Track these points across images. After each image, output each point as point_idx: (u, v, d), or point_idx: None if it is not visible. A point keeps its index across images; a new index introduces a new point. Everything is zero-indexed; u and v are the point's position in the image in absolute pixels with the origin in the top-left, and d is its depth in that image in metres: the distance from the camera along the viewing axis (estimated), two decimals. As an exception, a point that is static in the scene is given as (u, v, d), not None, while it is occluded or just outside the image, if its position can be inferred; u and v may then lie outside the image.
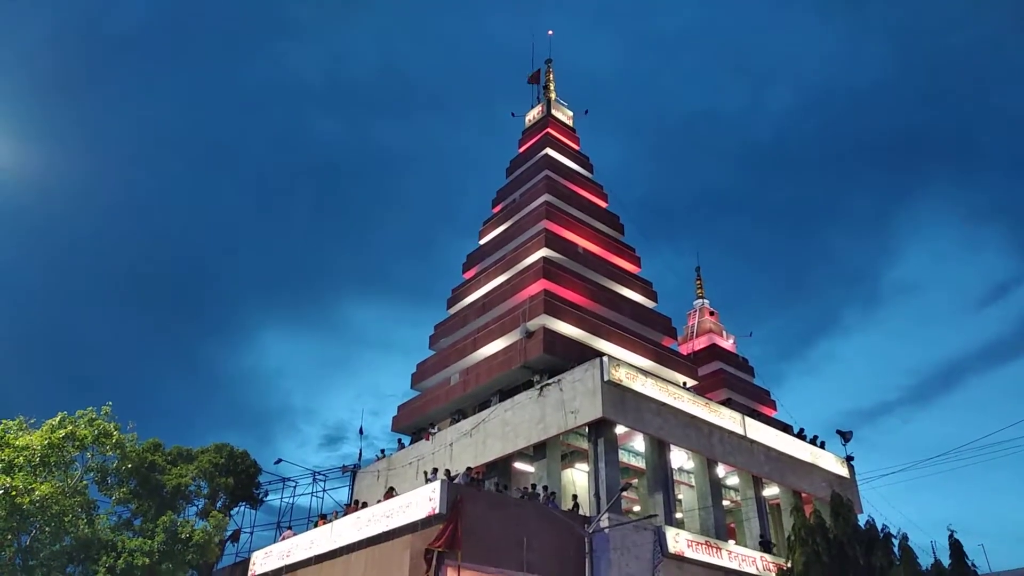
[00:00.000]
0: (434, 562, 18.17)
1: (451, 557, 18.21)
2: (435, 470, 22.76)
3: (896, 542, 22.56)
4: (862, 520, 23.85)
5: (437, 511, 18.85)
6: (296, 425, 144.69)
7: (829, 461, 31.94)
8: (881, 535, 22.67)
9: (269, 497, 31.86)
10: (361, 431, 45.07)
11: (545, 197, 35.30)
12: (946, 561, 23.46)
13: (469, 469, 23.43)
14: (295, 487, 32.50)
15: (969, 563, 23.58)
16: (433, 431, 30.16)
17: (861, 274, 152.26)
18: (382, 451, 33.25)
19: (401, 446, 32.16)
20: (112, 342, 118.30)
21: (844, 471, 32.34)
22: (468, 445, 27.68)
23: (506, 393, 28.45)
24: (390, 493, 23.21)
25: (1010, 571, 26.87)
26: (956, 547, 23.44)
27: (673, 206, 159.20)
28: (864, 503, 32.30)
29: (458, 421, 29.42)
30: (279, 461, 32.85)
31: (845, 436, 31.95)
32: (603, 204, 39.00)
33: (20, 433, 20.42)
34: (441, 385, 32.29)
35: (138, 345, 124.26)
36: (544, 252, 31.91)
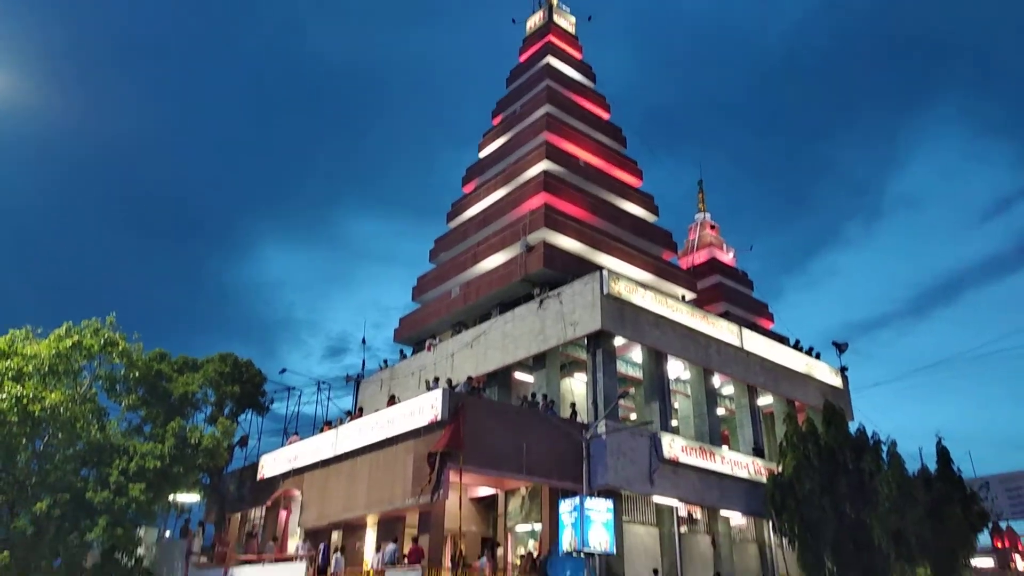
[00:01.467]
0: (436, 465, 18.76)
1: (453, 461, 18.80)
2: (436, 379, 23.22)
3: (885, 448, 23.30)
4: (853, 428, 24.57)
5: (439, 418, 19.34)
6: (299, 337, 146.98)
7: (823, 371, 32.54)
8: (871, 442, 23.40)
9: (275, 405, 32.65)
10: (364, 342, 45.91)
11: (546, 108, 34.58)
12: (933, 467, 24.28)
13: (470, 378, 23.90)
14: (300, 396, 33.30)
15: (955, 468, 24.41)
16: (434, 342, 30.60)
17: (865, 187, 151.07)
18: (384, 361, 33.85)
19: (403, 357, 32.69)
20: (113, 259, 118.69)
21: (838, 381, 33.00)
22: (469, 356, 28.14)
23: (506, 306, 28.70)
24: (392, 401, 23.76)
25: (994, 475, 27.82)
26: (943, 453, 24.24)
27: (677, 118, 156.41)
28: (856, 412, 33.15)
29: (459, 333, 29.80)
30: (284, 371, 33.54)
31: (840, 347, 32.46)
32: (606, 115, 38.25)
33: (27, 342, 20.71)
34: (442, 298, 32.54)
35: (139, 261, 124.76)
36: (545, 165, 31.53)
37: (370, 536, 22.78)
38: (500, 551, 22.76)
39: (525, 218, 29.34)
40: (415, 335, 33.53)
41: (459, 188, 37.74)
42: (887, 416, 36.09)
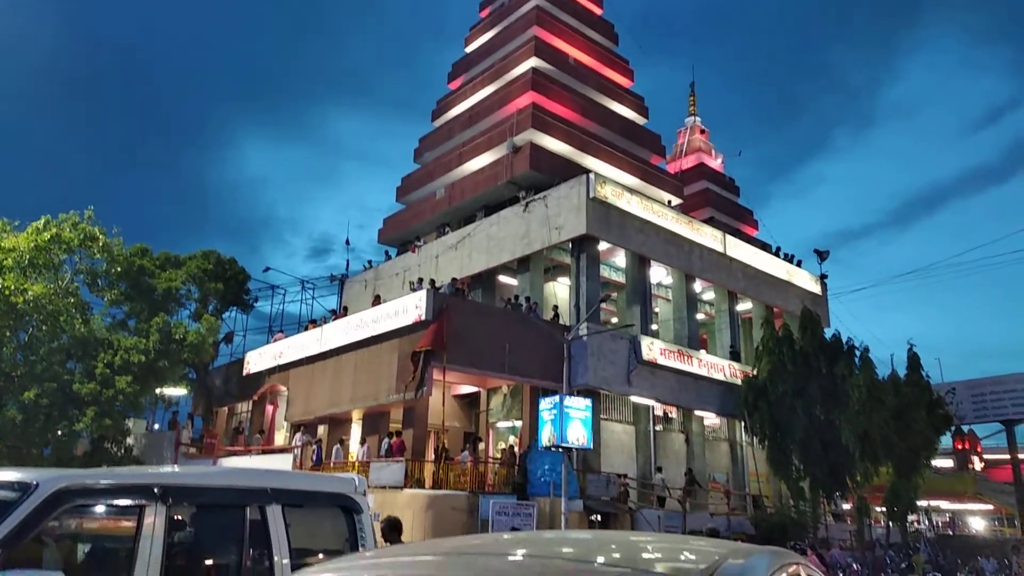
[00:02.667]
0: (420, 364, 19.09)
1: (436, 359, 19.12)
2: (420, 280, 23.30)
3: (858, 354, 23.93)
4: (829, 334, 25.15)
5: (423, 318, 19.53)
6: (282, 236, 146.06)
7: (803, 279, 32.95)
8: (845, 348, 24.00)
9: (259, 303, 32.79)
10: (347, 242, 45.65)
11: (536, 0, 33.16)
12: (903, 372, 25.04)
13: (454, 280, 23.99)
14: (284, 295, 33.41)
15: (924, 374, 25.23)
16: (419, 244, 30.50)
17: (858, 93, 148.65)
18: (369, 262, 33.85)
19: (388, 257, 32.65)
20: (90, 154, 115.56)
21: (817, 288, 33.48)
22: (453, 258, 28.14)
23: (491, 208, 28.47)
24: (377, 301, 23.90)
25: (960, 381, 28.77)
26: (913, 360, 24.98)
27: (671, 18, 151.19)
28: (833, 319, 33.83)
29: (444, 234, 29.67)
30: (267, 269, 33.51)
31: (821, 255, 32.76)
32: (598, 11, 36.76)
33: (4, 235, 20.38)
34: (426, 199, 32.18)
35: (116, 157, 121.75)
36: (533, 62, 30.52)
37: (355, 430, 23.42)
38: (482, 446, 23.54)
39: (512, 118, 28.67)
40: (399, 236, 33.37)
41: (445, 85, 36.64)
42: (864, 323, 36.91)
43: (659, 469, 24.17)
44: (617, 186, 25.96)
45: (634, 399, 24.56)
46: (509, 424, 23.71)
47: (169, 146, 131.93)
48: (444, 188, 31.20)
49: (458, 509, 17.00)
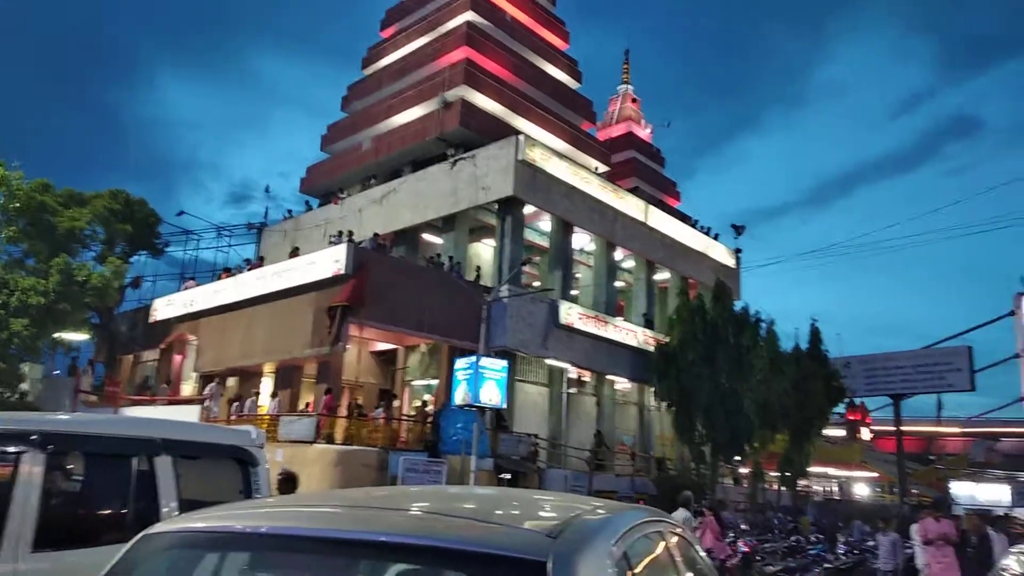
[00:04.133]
0: (337, 319, 18.83)
1: (354, 315, 18.89)
2: (341, 233, 22.81)
3: (764, 327, 25.01)
4: (740, 306, 26.15)
5: (342, 272, 19.21)
6: (201, 181, 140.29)
7: (719, 252, 33.99)
8: (752, 320, 25.01)
9: (171, 248, 31.52)
10: (268, 190, 44.47)
11: (475, -47, 32.39)
12: (805, 346, 26.33)
13: (377, 235, 23.63)
14: (199, 241, 32.16)
15: (824, 348, 26.61)
16: (342, 196, 29.83)
17: (792, 72, 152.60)
18: (289, 212, 32.96)
19: (309, 208, 31.84)
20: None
21: (731, 262, 34.61)
22: (377, 212, 27.67)
23: (419, 163, 28.07)
24: (295, 253, 23.35)
25: (856, 356, 30.48)
26: (815, 334, 26.32)
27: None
28: (745, 292, 35.10)
29: (369, 187, 29.09)
30: (181, 213, 32.06)
31: (738, 230, 33.83)
32: (537, -31, 36.22)
33: None
34: (352, 150, 31.42)
35: (26, 83, 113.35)
36: (469, 16, 29.92)
37: (266, 383, 23.00)
38: (397, 403, 23.54)
39: (444, 72, 28.16)
40: (323, 187, 32.54)
41: (377, 32, 35.55)
42: (773, 298, 38.46)
43: (597, 433, 25.14)
44: (546, 149, 25.98)
45: (550, 362, 24.97)
46: (425, 382, 23.76)
47: (86, 79, 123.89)
48: (371, 140, 30.51)
49: (368, 465, 17.01)
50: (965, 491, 45.77)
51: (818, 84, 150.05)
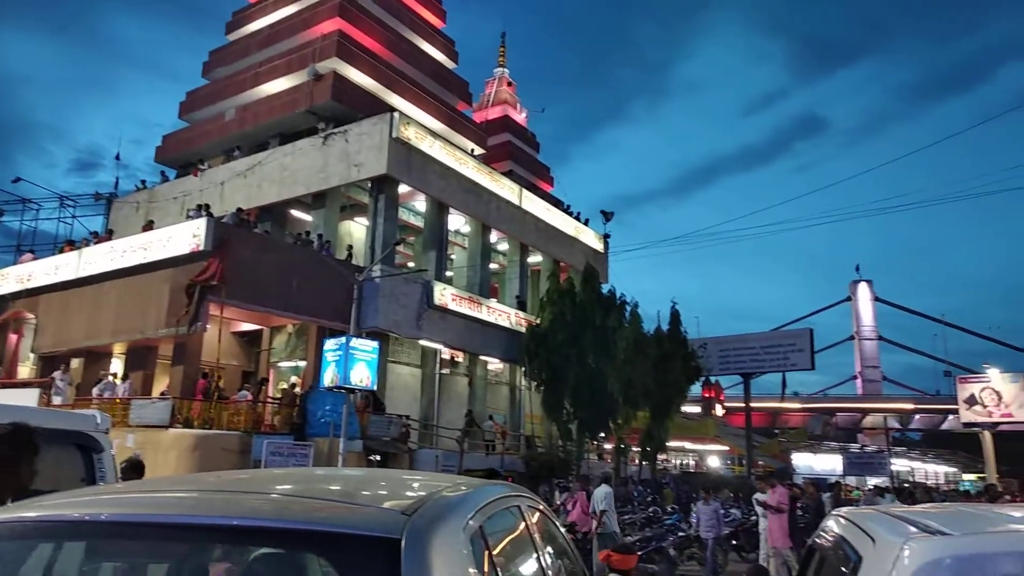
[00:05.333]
0: (196, 297, 17.84)
1: (215, 293, 17.97)
2: (200, 207, 21.55)
3: (629, 309, 26.06)
4: (607, 289, 27.09)
5: (202, 248, 18.21)
6: (41, 144, 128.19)
7: (589, 237, 35.00)
8: (618, 303, 26.00)
9: (5, 218, 28.65)
10: (118, 158, 40.96)
11: (350, -79, 31.28)
12: (666, 327, 27.67)
13: (240, 210, 22.49)
14: (38, 210, 29.41)
15: (683, 330, 28.06)
16: (203, 167, 28.13)
17: (656, 67, 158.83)
18: (143, 182, 30.73)
19: (165, 179, 29.83)
20: None
21: (600, 246, 35.73)
22: (241, 186, 26.33)
23: (287, 137, 26.96)
24: (149, 227, 21.85)
25: (712, 337, 32.41)
26: (675, 317, 27.71)
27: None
28: (612, 276, 36.35)
29: (232, 160, 27.60)
30: (18, 180, 29.24)
31: (606, 216, 34.94)
32: (414, -57, 35.50)
33: None
34: (214, 119, 29.65)
35: None
36: (342, -14, 28.89)
37: (116, 365, 21.46)
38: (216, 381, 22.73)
39: (316, 43, 27.09)
40: (181, 157, 30.51)
41: (243, -3, 33.63)
42: (638, 282, 40.14)
43: (490, 417, 25.49)
44: (421, 128, 25.67)
45: (423, 343, 24.87)
46: (292, 364, 23.02)
47: None
48: (235, 110, 28.92)
49: (229, 450, 16.30)
50: (804, 461, 50.12)
51: (680, 79, 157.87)
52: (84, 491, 2.53)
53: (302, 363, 22.29)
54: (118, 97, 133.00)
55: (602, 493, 12.24)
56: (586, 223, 35.19)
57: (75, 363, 21.90)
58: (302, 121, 26.77)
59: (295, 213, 27.24)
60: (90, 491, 2.56)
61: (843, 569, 1.86)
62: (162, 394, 18.71)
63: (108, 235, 22.84)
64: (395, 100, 28.06)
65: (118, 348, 21.35)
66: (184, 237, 18.84)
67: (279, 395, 20.79)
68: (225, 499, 1.94)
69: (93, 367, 21.20)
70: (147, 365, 20.38)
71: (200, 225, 18.61)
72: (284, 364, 23.32)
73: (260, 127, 27.85)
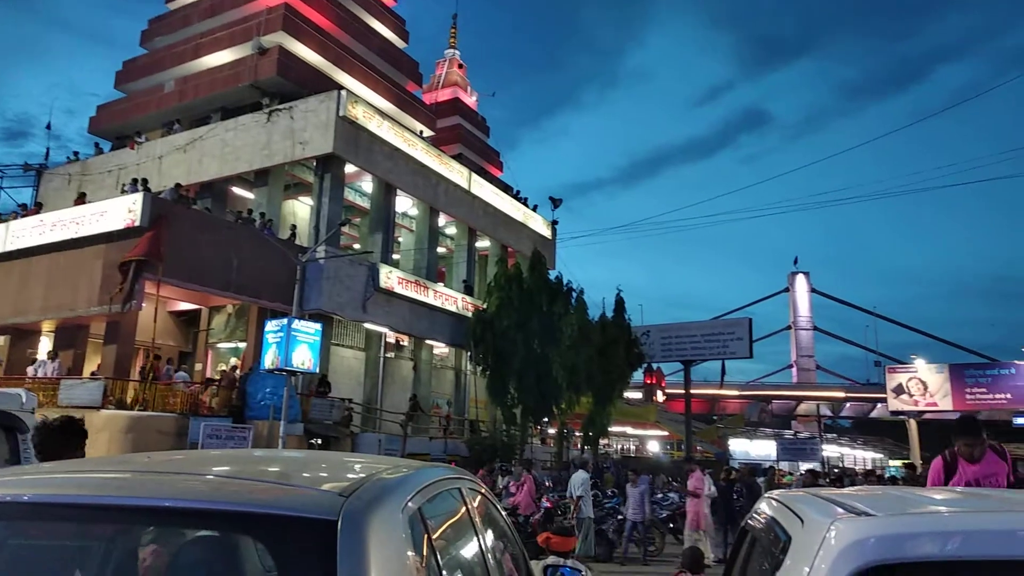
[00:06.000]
0: (131, 274, 17.25)
1: (151, 271, 17.41)
2: (136, 181, 20.78)
3: (574, 296, 26.28)
4: (554, 276, 27.24)
5: (137, 223, 17.62)
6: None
7: (537, 223, 35.11)
8: (564, 289, 26.19)
9: (-77, 188, 27.11)
10: (49, 127, 39.32)
11: None
12: (610, 314, 28.00)
13: (179, 186, 21.77)
14: (-40, 180, 27.92)
15: (627, 317, 28.45)
16: (140, 140, 27.12)
17: (607, 54, 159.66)
18: (75, 154, 29.49)
19: (99, 151, 28.69)
20: None
21: (548, 232, 35.88)
22: (180, 161, 25.50)
23: (229, 112, 26.20)
24: (82, 200, 21.01)
25: (655, 325, 32.95)
26: (620, 304, 28.06)
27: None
28: (559, 262, 36.60)
29: (171, 133, 26.68)
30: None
31: (555, 202, 35.08)
32: (366, -82, 34.74)
33: None
34: (153, 91, 28.59)
35: None
36: (290, -41, 28.11)
37: (44, 343, 20.65)
38: (199, 366, 22.17)
39: (261, 16, 26.33)
40: (116, 128, 29.35)
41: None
42: (585, 269, 40.51)
43: (448, 403, 25.21)
44: (369, 108, 25.26)
45: (368, 326, 24.62)
46: (232, 345, 22.53)
47: None
48: (175, 81, 27.94)
49: (165, 432, 15.88)
50: (741, 447, 51.55)
51: (631, 67, 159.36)
52: (6, 471, 2.42)
53: (242, 344, 21.83)
54: (50, 63, 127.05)
55: (579, 479, 12.54)
56: (535, 209, 35.26)
57: (0, 340, 21.00)
58: (246, 96, 26.06)
59: (237, 190, 26.56)
60: (12, 471, 2.46)
61: (773, 549, 1.91)
62: (93, 374, 18.09)
63: (37, 208, 21.90)
64: (343, 78, 27.53)
65: (47, 326, 20.54)
66: (119, 212, 18.17)
67: (218, 376, 20.33)
68: (156, 480, 1.90)
69: (20, 345, 20.38)
70: (78, 344, 19.67)
71: (136, 200, 17.98)
72: (223, 345, 22.80)
73: (201, 100, 26.99)
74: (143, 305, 17.90)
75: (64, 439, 3.70)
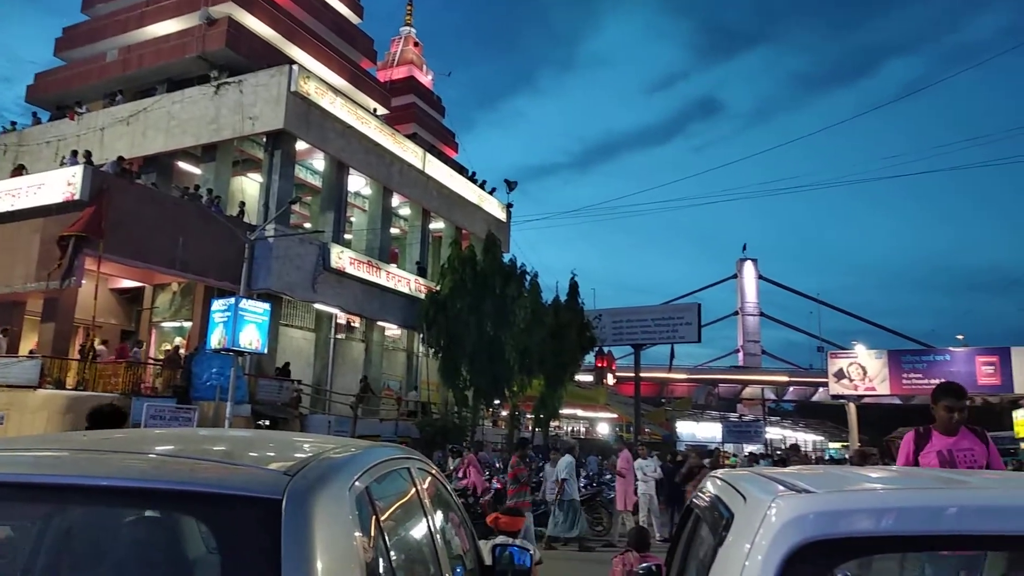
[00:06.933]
0: (70, 250, 16.69)
1: (91, 247, 16.86)
2: (76, 153, 20.02)
3: (528, 279, 26.35)
4: (508, 259, 27.24)
5: (77, 197, 17.01)
6: None
7: (492, 205, 35.02)
8: (518, 272, 26.23)
9: None
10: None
11: None
12: (564, 298, 28.18)
13: (122, 159, 21.05)
14: None
15: (580, 301, 28.63)
16: (80, 111, 26.11)
17: (564, 38, 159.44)
18: (12, 123, 28.29)
19: (37, 121, 27.53)
20: None
21: (503, 215, 35.84)
22: (124, 133, 24.64)
23: (175, 84, 25.41)
24: (18, 172, 20.20)
25: (607, 309, 33.26)
26: (573, 288, 28.21)
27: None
28: (513, 246, 36.68)
29: (114, 104, 25.74)
30: None
31: (510, 185, 34.96)
32: None
33: None
34: (95, 59, 27.51)
35: None
36: (241, -73, 27.24)
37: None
38: (144, 347, 21.59)
39: (210, -15, 25.50)
40: (56, 98, 28.17)
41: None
42: (539, 252, 40.59)
43: (364, 378, 25.20)
44: (322, 84, 24.75)
45: (318, 306, 24.29)
46: (177, 324, 21.99)
47: None
48: (118, 51, 26.94)
49: (104, 414, 15.41)
50: (688, 429, 52.59)
51: (587, 53, 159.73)
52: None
53: (187, 324, 21.34)
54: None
55: (565, 463, 12.82)
56: (492, 193, 35.14)
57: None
58: (193, 68, 25.29)
59: (183, 165, 25.83)
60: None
61: (717, 526, 1.95)
62: (31, 352, 17.48)
63: (-31, 179, 20.89)
64: (295, 52, 26.91)
65: (-21, 302, 19.72)
66: (58, 184, 17.52)
67: (162, 356, 19.85)
68: (94, 458, 1.84)
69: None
70: (13, 321, 18.93)
71: (76, 172, 17.34)
72: (168, 324, 22.25)
73: (146, 71, 26.10)
74: (83, 282, 17.33)
75: (112, 423, 4.15)
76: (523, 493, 11.07)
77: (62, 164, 19.35)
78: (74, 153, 19.91)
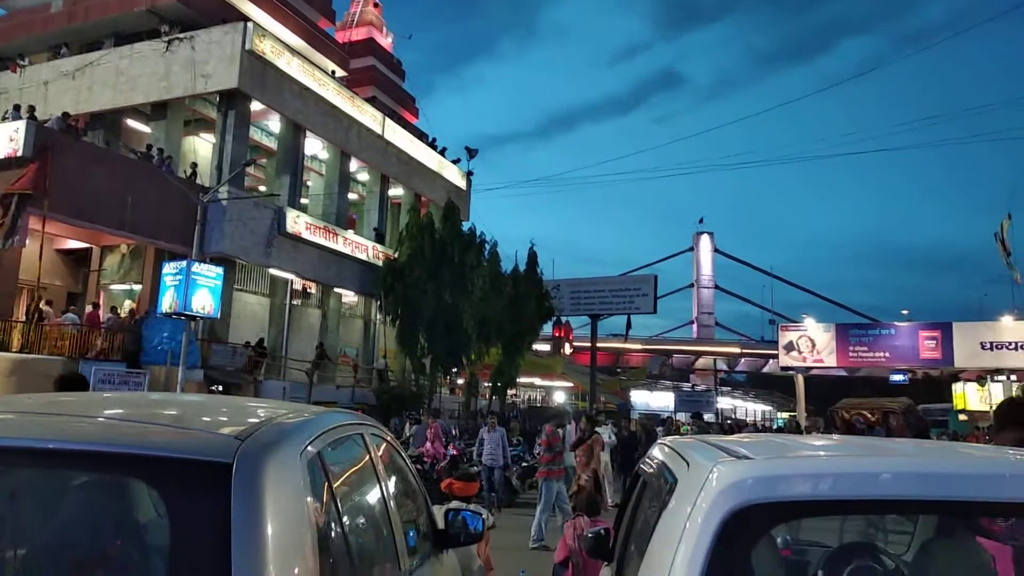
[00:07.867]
0: (13, 208, 16.07)
1: (35, 206, 16.29)
2: (18, 107, 19.20)
3: (487, 248, 26.35)
4: (468, 227, 27.16)
5: (19, 153, 16.40)
6: None
7: (452, 173, 34.72)
8: (477, 241, 26.20)
9: None
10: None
11: None
12: (523, 267, 28.28)
13: (67, 115, 20.27)
14: None
15: (539, 271, 28.78)
16: (22, 63, 24.97)
17: (526, 3, 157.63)
18: (-53, 74, 26.84)
19: (-25, 73, 26.24)
20: None
21: (463, 183, 35.58)
22: (69, 88, 23.68)
23: (124, 38, 24.44)
24: (-45, 125, 19.24)
25: (566, 279, 33.48)
26: (532, 257, 28.35)
27: None
28: (473, 214, 36.46)
29: (58, 57, 24.69)
30: None
31: (471, 153, 34.70)
32: None
33: None
34: (37, 10, 26.28)
35: None
36: None
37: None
38: (90, 307, 21.04)
39: (161, -64, 24.46)
40: (-5, 48, 26.91)
41: None
42: (499, 221, 40.52)
43: (320, 345, 24.76)
44: (278, 43, 24.08)
45: (273, 272, 23.93)
46: (127, 287, 21.47)
47: None
48: (63, 1, 25.76)
49: (52, 376, 15.02)
50: (642, 399, 53.55)
51: (550, 20, 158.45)
52: None
53: (137, 286, 20.85)
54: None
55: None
56: (455, 163, 34.80)
57: None
58: (143, 22, 24.34)
59: (132, 123, 24.99)
60: None
61: (662, 491, 2.01)
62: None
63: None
64: (250, 9, 26.06)
65: (-85, 261, 18.93)
66: (0, 140, 16.81)
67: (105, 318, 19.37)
68: (39, 421, 1.82)
69: None
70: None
71: (19, 128, 16.67)
72: (116, 287, 21.70)
73: (92, 24, 25.03)
74: (27, 242, 16.76)
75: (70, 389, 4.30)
76: (558, 462, 11.23)
77: (3, 119, 18.55)
78: (16, 107, 19.10)
